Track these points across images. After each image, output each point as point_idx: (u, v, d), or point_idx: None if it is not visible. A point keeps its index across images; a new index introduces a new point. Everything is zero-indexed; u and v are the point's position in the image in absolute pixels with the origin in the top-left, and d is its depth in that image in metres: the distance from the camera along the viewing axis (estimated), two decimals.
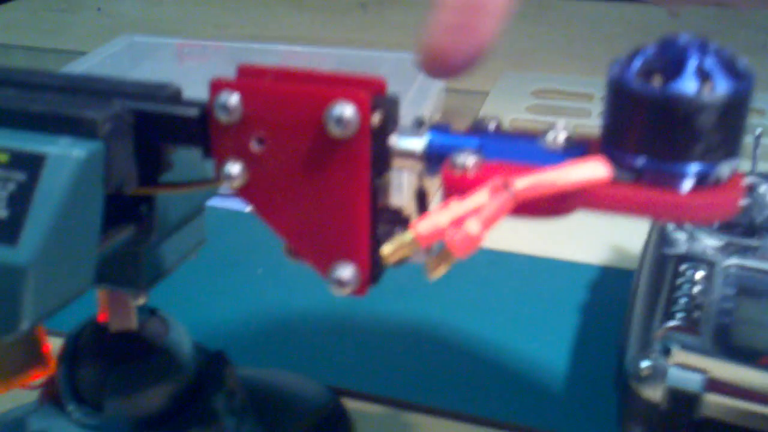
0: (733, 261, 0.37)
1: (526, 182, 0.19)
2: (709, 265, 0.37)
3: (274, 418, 0.37)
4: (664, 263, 0.38)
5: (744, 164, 0.22)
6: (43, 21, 1.04)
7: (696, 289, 0.35)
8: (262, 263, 0.50)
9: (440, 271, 0.20)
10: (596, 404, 0.40)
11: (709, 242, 0.38)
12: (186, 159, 0.26)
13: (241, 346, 0.44)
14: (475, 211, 0.19)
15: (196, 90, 0.69)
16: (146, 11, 1.09)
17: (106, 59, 0.71)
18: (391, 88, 0.71)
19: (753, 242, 0.38)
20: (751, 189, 0.42)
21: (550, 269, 0.50)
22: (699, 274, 0.36)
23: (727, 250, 0.38)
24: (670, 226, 0.40)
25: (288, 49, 0.74)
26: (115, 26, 1.02)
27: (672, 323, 0.34)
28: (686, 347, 0.33)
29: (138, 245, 0.27)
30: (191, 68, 0.73)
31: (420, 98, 0.65)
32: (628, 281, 0.47)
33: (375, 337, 0.44)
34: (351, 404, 0.40)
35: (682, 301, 0.35)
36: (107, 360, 0.30)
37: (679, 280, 0.36)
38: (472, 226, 0.18)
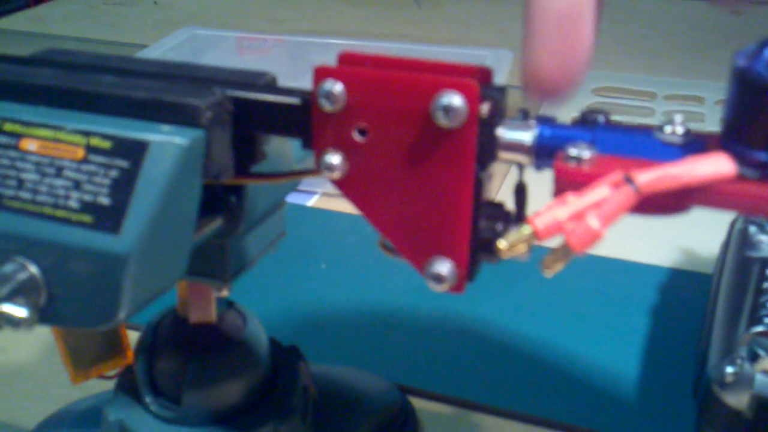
0: None
1: (650, 176, 0.18)
2: None
3: (344, 415, 0.36)
4: (747, 266, 0.37)
5: None
6: (100, 13, 1.06)
7: None
8: (326, 259, 0.50)
9: (558, 267, 0.19)
10: (669, 411, 0.39)
11: None
12: (277, 150, 0.25)
13: (305, 342, 0.43)
14: (596, 206, 0.18)
15: None
16: (202, 4, 1.09)
17: (167, 51, 0.71)
18: None
19: None
20: None
21: (620, 270, 0.49)
22: None
23: None
24: (753, 229, 0.39)
25: (346, 43, 0.74)
26: (172, 19, 1.02)
27: (759, 328, 0.33)
28: None
29: (225, 236, 0.26)
30: (251, 61, 0.73)
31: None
32: (700, 284, 0.45)
33: (442, 337, 0.44)
34: (418, 403, 0.40)
35: None
36: (186, 351, 0.30)
37: (765, 284, 0.35)
38: (593, 221, 0.18)
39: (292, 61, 0.73)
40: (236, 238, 0.27)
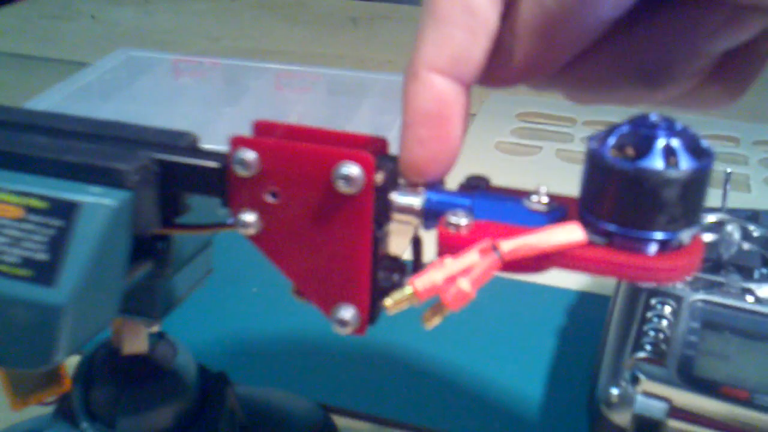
0: (700, 296, 0.40)
1: (512, 245, 0.21)
2: (677, 299, 0.40)
3: None
4: (636, 296, 0.41)
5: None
6: (36, 27, 1.06)
7: (664, 323, 0.38)
8: (258, 282, 0.53)
9: (435, 322, 0.22)
10: (568, 426, 0.42)
11: None
12: (202, 202, 0.28)
13: (234, 364, 0.46)
14: (467, 271, 0.21)
15: (190, 106, 0.72)
16: (140, 20, 1.10)
17: (104, 74, 0.73)
18: (382, 109, 0.74)
19: (719, 278, 0.41)
20: (720, 226, 0.45)
21: (530, 293, 0.53)
22: (667, 308, 0.39)
23: (695, 285, 0.41)
24: None
25: (282, 68, 0.77)
26: (109, 35, 1.03)
27: (640, 354, 0.37)
28: (652, 377, 0.36)
29: (155, 278, 0.29)
30: (186, 84, 0.75)
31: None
32: (604, 306, 0.49)
33: (362, 358, 0.47)
34: (339, 421, 0.43)
35: (651, 333, 0.37)
36: (120, 381, 0.33)
37: (649, 314, 0.39)
38: (464, 284, 0.21)
39: (227, 85, 0.76)
40: (165, 279, 0.30)
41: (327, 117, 0.71)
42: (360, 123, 0.69)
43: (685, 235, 0.22)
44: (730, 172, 0.47)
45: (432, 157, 0.24)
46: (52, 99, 0.67)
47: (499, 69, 0.24)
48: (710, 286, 0.41)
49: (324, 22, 1.13)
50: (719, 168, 0.73)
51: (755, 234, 0.45)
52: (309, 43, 1.05)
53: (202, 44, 1.03)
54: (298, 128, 0.25)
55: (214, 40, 1.04)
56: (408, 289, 0.22)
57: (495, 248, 0.21)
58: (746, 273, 0.42)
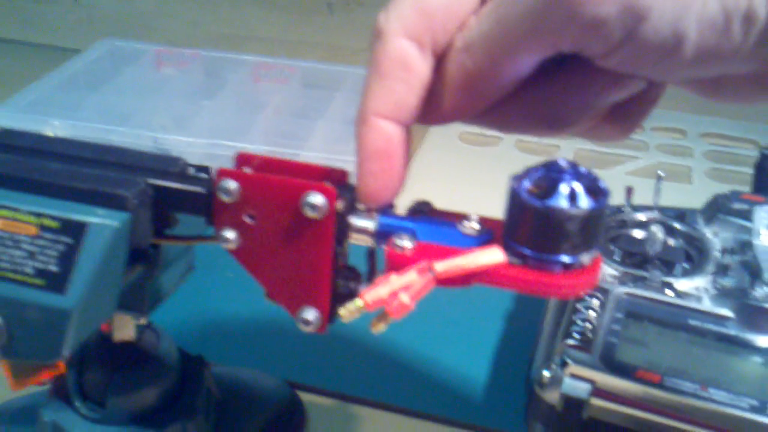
0: (625, 289, 0.45)
1: (444, 266, 0.26)
2: (605, 292, 0.45)
3: (241, 411, 0.44)
4: None
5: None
6: (19, 10, 1.08)
7: (591, 313, 0.43)
8: (233, 268, 0.57)
9: (381, 328, 0.27)
10: (509, 403, 0.48)
11: (608, 272, 0.47)
12: (188, 217, 0.33)
13: (211, 345, 0.51)
14: (407, 287, 0.26)
15: (172, 98, 0.76)
16: (121, 4, 1.13)
17: (89, 65, 0.76)
18: (354, 101, 0.78)
19: (643, 273, 0.47)
20: (647, 224, 0.50)
21: None
22: (595, 301, 0.44)
23: (622, 279, 0.46)
24: None
25: (259, 60, 0.81)
26: (91, 19, 1.06)
27: (569, 341, 0.42)
28: (578, 362, 0.41)
29: (144, 279, 0.34)
30: (168, 75, 0.79)
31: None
32: None
33: (327, 339, 0.52)
34: (305, 397, 0.48)
35: (579, 322, 0.43)
36: (110, 365, 0.37)
37: (579, 305, 0.44)
38: (405, 298, 0.26)
39: (207, 77, 0.80)
40: (153, 279, 0.35)
41: (301, 108, 0.76)
42: (332, 115, 0.73)
43: (586, 258, 0.27)
44: (662, 176, 0.52)
45: (383, 186, 0.28)
46: (41, 90, 0.71)
47: (432, 111, 0.29)
48: (635, 280, 0.46)
49: (300, 7, 1.16)
50: (664, 160, 0.79)
51: (680, 230, 0.51)
52: (285, 30, 1.08)
53: (182, 29, 1.06)
54: (273, 160, 0.30)
55: (193, 25, 1.07)
56: (359, 302, 0.27)
57: (431, 269, 0.26)
58: (669, 268, 0.48)
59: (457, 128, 0.82)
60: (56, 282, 0.28)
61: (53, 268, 0.28)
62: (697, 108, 0.88)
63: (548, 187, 0.26)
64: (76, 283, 0.28)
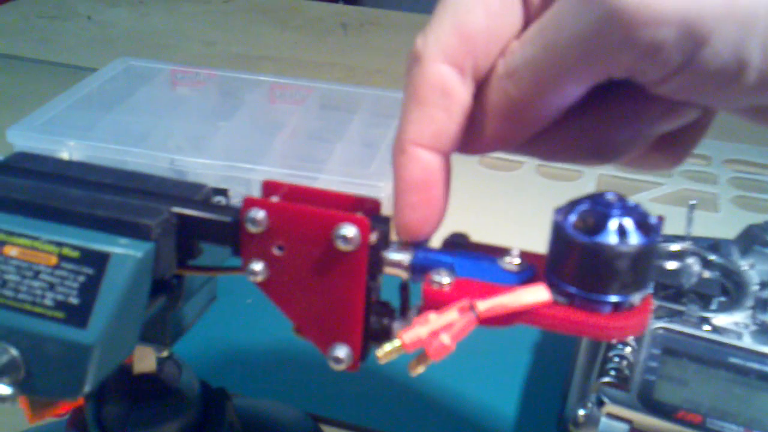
0: (661, 324, 0.43)
1: (487, 305, 0.25)
2: None
3: None
4: None
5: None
6: (34, 28, 1.08)
7: (628, 349, 0.42)
8: (252, 294, 0.56)
9: (420, 370, 0.26)
10: None
11: None
12: (210, 246, 0.31)
13: (231, 375, 0.49)
14: (448, 327, 0.25)
15: (187, 119, 0.75)
16: (135, 22, 1.13)
17: (104, 84, 0.75)
18: (372, 123, 0.78)
19: (679, 307, 0.45)
20: (683, 255, 0.49)
21: None
22: (631, 336, 0.42)
23: (657, 313, 0.44)
24: None
25: (276, 80, 0.80)
26: (106, 37, 1.06)
27: (605, 379, 0.40)
28: (615, 401, 0.39)
29: (167, 311, 0.32)
30: (183, 95, 0.78)
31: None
32: None
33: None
34: (328, 430, 0.46)
35: (615, 359, 0.41)
36: (130, 398, 0.36)
37: (614, 340, 0.42)
38: (446, 339, 0.25)
39: (223, 97, 0.79)
40: (176, 310, 0.33)
41: (319, 130, 0.74)
42: (351, 137, 0.72)
43: (636, 298, 0.25)
44: (694, 203, 0.51)
45: (422, 220, 0.27)
46: (56, 109, 0.70)
47: (473, 140, 0.27)
48: (671, 315, 0.44)
49: (314, 28, 1.16)
50: (689, 187, 0.78)
51: (716, 262, 0.49)
52: (300, 49, 1.08)
53: (197, 48, 1.05)
54: (301, 188, 0.29)
55: (207, 45, 1.07)
56: (397, 342, 0.25)
57: (472, 307, 0.25)
58: (705, 301, 0.46)
59: None
60: (77, 315, 0.27)
61: (74, 300, 0.27)
62: (721, 134, 0.87)
63: (596, 222, 0.25)
64: (98, 317, 0.26)
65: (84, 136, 0.66)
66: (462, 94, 0.26)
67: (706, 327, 0.43)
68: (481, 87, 0.27)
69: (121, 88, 0.76)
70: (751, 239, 0.50)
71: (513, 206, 0.73)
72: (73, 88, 0.73)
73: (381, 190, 0.60)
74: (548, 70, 0.25)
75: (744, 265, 0.48)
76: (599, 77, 0.24)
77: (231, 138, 0.69)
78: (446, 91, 0.26)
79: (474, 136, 0.27)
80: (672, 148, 0.29)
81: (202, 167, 0.63)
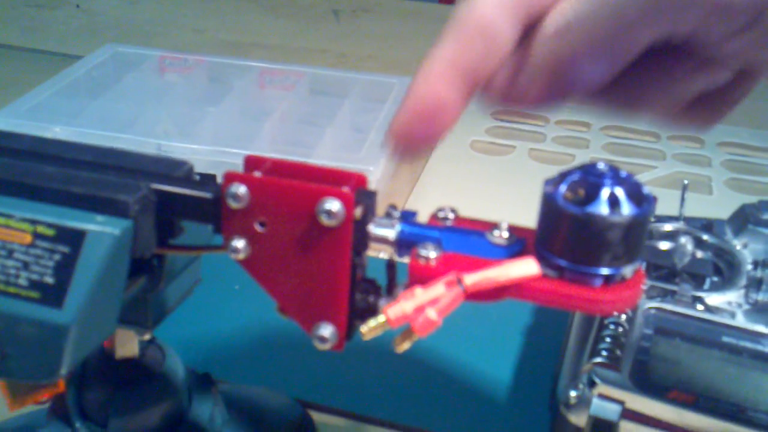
0: (653, 304, 0.43)
1: (474, 279, 0.24)
2: (633, 307, 0.43)
3: (249, 430, 0.42)
4: None
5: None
6: (22, 16, 1.07)
7: (620, 329, 0.41)
8: (240, 280, 0.55)
9: (405, 346, 0.25)
10: (531, 421, 0.45)
11: None
12: (195, 225, 0.31)
13: (218, 361, 0.49)
14: (434, 301, 0.24)
15: (176, 105, 0.74)
16: (124, 10, 1.12)
17: (92, 70, 0.74)
18: (362, 108, 0.76)
19: (672, 287, 0.44)
20: (676, 235, 0.48)
21: None
22: (623, 316, 0.42)
23: (650, 293, 0.44)
24: None
25: (265, 66, 0.79)
26: (94, 25, 1.05)
27: (597, 359, 0.40)
28: (607, 381, 0.39)
29: (148, 292, 0.31)
30: (172, 81, 0.77)
31: (391, 117, 0.70)
32: None
33: (340, 356, 0.49)
34: (317, 416, 0.45)
35: (607, 339, 0.40)
36: (112, 384, 0.35)
37: (606, 320, 0.42)
38: (432, 313, 0.24)
39: (212, 82, 0.78)
40: (157, 292, 0.32)
41: (309, 115, 0.74)
42: (341, 122, 0.71)
43: (628, 270, 0.25)
44: (687, 184, 0.50)
45: (421, 132, 0.26)
46: (42, 95, 0.69)
47: (516, 93, 0.26)
48: (663, 295, 0.44)
49: (306, 15, 1.15)
50: (682, 170, 0.77)
51: (709, 242, 0.48)
52: (291, 37, 1.07)
53: (187, 36, 1.04)
54: (284, 163, 0.28)
55: (198, 32, 1.06)
56: (381, 318, 0.24)
57: (459, 281, 0.24)
58: (698, 281, 0.46)
59: (468, 137, 0.80)
60: (52, 295, 0.26)
61: (49, 279, 0.26)
62: None
63: (587, 193, 0.24)
64: (74, 296, 0.26)
65: (70, 122, 0.65)
66: (508, 36, 0.25)
67: (699, 306, 0.43)
68: (528, 40, 0.25)
69: (108, 74, 0.75)
70: (745, 219, 0.49)
71: (505, 190, 0.72)
72: (60, 74, 0.72)
73: (371, 174, 0.59)
74: (605, 28, 0.23)
75: (737, 244, 0.48)
76: (660, 36, 0.23)
77: (219, 123, 0.68)
78: (492, 29, 0.25)
79: (517, 88, 0.26)
80: (704, 112, 0.28)
81: (190, 153, 0.62)
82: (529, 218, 0.27)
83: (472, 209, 0.67)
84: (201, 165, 0.63)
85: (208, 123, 0.68)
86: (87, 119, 0.67)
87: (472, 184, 0.73)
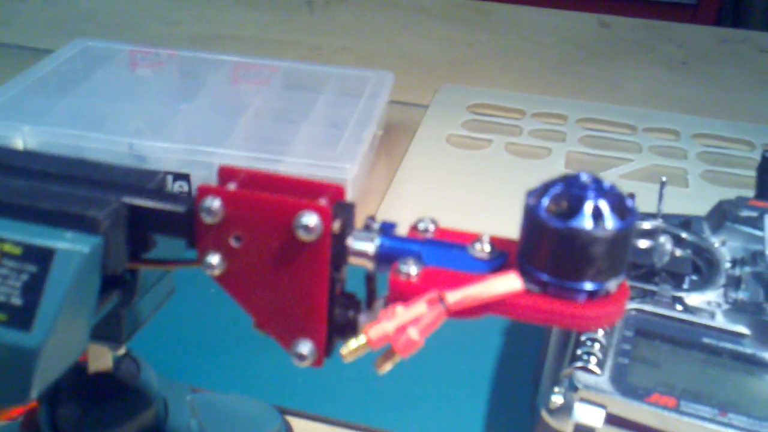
0: (633, 305, 0.43)
1: (456, 296, 0.23)
2: None
3: None
4: None
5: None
6: None
7: (600, 332, 0.41)
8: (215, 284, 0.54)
9: (387, 367, 0.24)
10: (512, 425, 0.45)
11: None
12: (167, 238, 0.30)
13: (194, 368, 0.48)
14: (416, 321, 0.23)
15: (147, 101, 0.73)
16: (95, 2, 1.09)
17: (61, 66, 0.73)
18: (337, 103, 0.75)
19: (652, 287, 0.44)
20: (654, 233, 0.48)
21: None
22: None
23: (629, 294, 0.44)
24: None
25: (238, 60, 0.77)
26: (63, 18, 1.02)
27: (578, 363, 0.39)
28: (589, 385, 0.38)
29: (121, 307, 0.31)
30: (143, 76, 0.76)
31: (367, 111, 0.69)
32: None
33: None
34: (296, 423, 0.45)
35: (588, 342, 0.40)
36: (85, 399, 0.34)
37: None
38: (413, 333, 0.23)
39: (184, 78, 0.76)
40: (131, 306, 0.32)
41: (283, 111, 0.72)
42: (316, 118, 0.70)
43: (612, 285, 0.24)
44: (665, 181, 0.50)
45: None
46: (9, 93, 0.67)
47: None
48: (643, 295, 0.43)
49: (279, 5, 1.13)
50: (658, 162, 0.77)
51: (687, 240, 0.48)
52: (265, 29, 1.06)
53: (159, 28, 1.02)
54: (260, 174, 0.27)
55: (170, 24, 1.04)
56: (362, 339, 0.24)
57: (441, 299, 0.24)
58: (677, 280, 0.45)
59: (445, 131, 0.79)
60: (20, 317, 0.25)
61: (16, 301, 0.25)
62: (690, 108, 0.86)
63: (570, 205, 0.24)
64: (43, 318, 0.25)
65: (39, 120, 0.64)
66: None
67: (679, 307, 0.43)
68: None
69: (78, 70, 0.74)
70: (722, 215, 0.49)
71: (482, 184, 0.71)
72: (28, 71, 0.70)
73: (347, 171, 0.59)
74: None
75: (715, 242, 0.48)
76: None
77: (192, 121, 0.67)
78: None
79: None
80: None
81: (163, 151, 0.61)
82: (506, 213, 0.26)
83: (451, 204, 0.67)
84: (174, 164, 0.62)
85: (181, 120, 0.67)
86: (56, 117, 0.65)
87: (449, 179, 0.72)
